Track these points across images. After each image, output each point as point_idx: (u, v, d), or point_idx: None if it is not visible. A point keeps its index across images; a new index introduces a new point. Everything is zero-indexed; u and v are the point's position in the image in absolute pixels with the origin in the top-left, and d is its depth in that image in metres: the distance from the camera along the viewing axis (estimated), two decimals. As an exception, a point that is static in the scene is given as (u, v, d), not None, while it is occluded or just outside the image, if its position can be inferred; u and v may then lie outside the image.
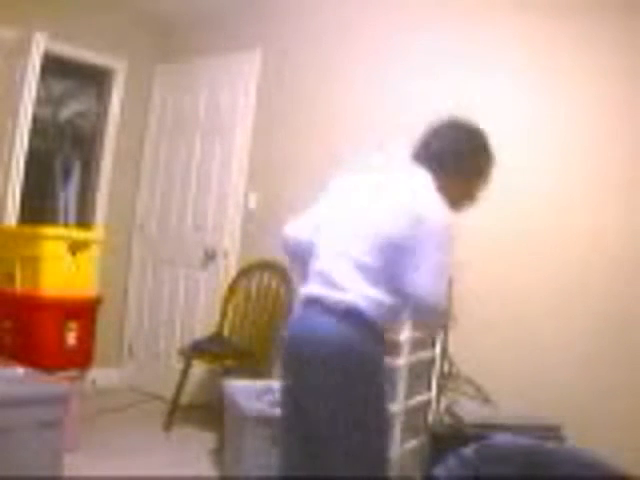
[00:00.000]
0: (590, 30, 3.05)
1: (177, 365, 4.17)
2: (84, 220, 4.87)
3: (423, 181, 1.94)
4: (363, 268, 1.89)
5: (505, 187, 3.22)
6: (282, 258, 4.10)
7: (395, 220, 1.87)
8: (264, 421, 2.96)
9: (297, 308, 2.04)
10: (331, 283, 1.92)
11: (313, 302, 1.94)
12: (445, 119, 2.06)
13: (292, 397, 2.00)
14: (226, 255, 4.48)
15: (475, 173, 2.05)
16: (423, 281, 1.83)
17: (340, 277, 1.91)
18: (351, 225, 1.96)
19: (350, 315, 1.86)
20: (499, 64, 3.34)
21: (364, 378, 1.88)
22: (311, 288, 1.98)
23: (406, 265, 1.84)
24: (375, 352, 1.92)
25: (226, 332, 4.20)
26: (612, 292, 2.89)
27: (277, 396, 3.19)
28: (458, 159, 2.01)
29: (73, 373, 3.46)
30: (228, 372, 3.82)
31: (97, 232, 4.49)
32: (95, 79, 4.94)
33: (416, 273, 1.83)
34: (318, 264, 1.99)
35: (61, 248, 3.53)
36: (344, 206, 2.02)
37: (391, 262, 1.87)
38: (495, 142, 2.05)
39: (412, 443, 3.12)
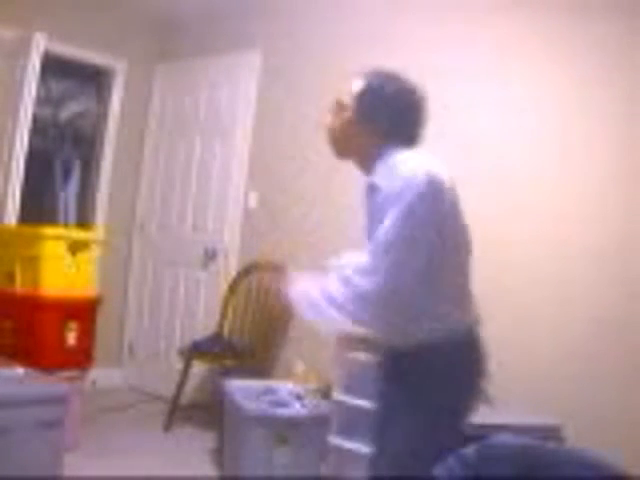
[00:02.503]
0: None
1: (177, 365, 4.17)
2: (84, 220, 4.87)
3: None
4: None
5: (501, 196, 3.24)
6: (281, 258, 4.13)
7: None
8: (264, 421, 2.97)
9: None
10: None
11: None
12: None
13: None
14: (226, 255, 4.48)
15: None
16: None
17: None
18: None
19: None
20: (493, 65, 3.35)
21: None
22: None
23: None
24: None
25: (226, 332, 4.20)
26: (612, 293, 2.89)
27: (280, 396, 3.21)
28: None
29: (73, 373, 3.45)
30: (228, 372, 3.82)
31: (97, 232, 4.48)
32: (95, 79, 4.94)
33: None
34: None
35: (61, 248, 3.53)
36: None
37: None
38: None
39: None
